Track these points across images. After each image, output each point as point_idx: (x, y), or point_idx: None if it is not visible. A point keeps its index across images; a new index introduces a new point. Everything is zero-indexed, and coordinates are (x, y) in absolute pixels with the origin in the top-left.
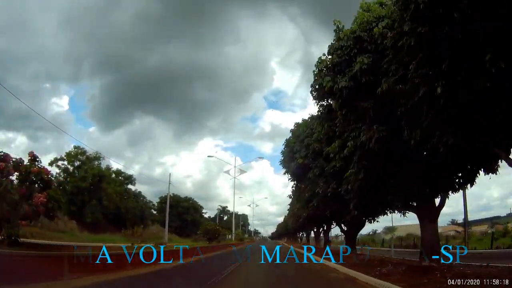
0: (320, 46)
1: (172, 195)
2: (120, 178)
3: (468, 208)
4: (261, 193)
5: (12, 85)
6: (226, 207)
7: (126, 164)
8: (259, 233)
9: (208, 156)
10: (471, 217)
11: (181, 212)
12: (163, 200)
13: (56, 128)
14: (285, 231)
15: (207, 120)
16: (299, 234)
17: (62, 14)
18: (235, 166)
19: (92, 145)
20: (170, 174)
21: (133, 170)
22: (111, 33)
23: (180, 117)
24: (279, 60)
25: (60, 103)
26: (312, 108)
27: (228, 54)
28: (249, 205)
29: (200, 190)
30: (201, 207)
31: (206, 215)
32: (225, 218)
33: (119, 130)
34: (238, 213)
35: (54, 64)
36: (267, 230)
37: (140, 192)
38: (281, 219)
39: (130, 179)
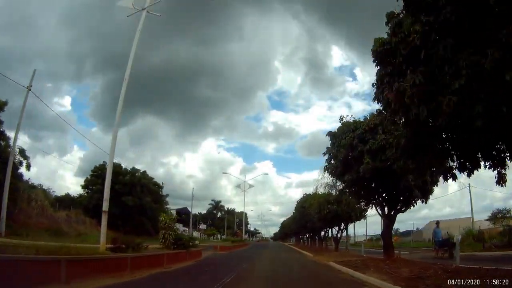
0: (324, 44)
1: (104, 163)
2: None
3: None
4: (264, 194)
5: (14, 84)
6: (220, 201)
7: None
8: (259, 233)
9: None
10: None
11: (120, 192)
12: (95, 171)
13: (58, 128)
14: (297, 227)
15: (210, 119)
16: (325, 232)
17: (64, 12)
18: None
19: (93, 145)
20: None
21: None
22: (113, 31)
23: (183, 116)
24: (283, 58)
25: (63, 103)
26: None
27: (231, 52)
28: (238, 186)
29: (203, 190)
30: (160, 187)
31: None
32: (219, 215)
33: (121, 129)
34: (235, 210)
35: (56, 63)
36: (270, 231)
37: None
38: (283, 219)
39: None
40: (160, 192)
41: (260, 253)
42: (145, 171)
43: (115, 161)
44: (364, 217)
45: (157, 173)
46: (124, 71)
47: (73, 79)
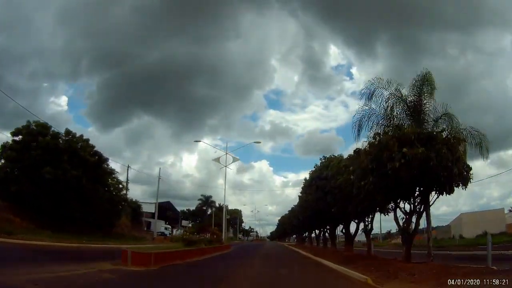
0: (321, 42)
1: (32, 123)
2: None
3: (467, 208)
4: (261, 193)
5: (11, 83)
6: (211, 197)
7: None
8: (252, 231)
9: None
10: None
11: (38, 160)
12: (16, 134)
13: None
14: (304, 220)
15: (207, 118)
16: (362, 222)
17: (59, 11)
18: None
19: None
20: None
21: None
22: (109, 29)
23: (179, 115)
24: (280, 56)
25: (59, 102)
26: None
27: (228, 50)
28: (217, 159)
29: (199, 190)
30: (103, 159)
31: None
32: (209, 211)
33: (118, 128)
34: (227, 207)
35: (52, 62)
36: (266, 231)
37: None
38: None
39: None
40: (106, 166)
41: (225, 281)
42: (82, 136)
43: (41, 120)
44: (469, 180)
45: (154, 172)
46: (121, 69)
47: (69, 78)
